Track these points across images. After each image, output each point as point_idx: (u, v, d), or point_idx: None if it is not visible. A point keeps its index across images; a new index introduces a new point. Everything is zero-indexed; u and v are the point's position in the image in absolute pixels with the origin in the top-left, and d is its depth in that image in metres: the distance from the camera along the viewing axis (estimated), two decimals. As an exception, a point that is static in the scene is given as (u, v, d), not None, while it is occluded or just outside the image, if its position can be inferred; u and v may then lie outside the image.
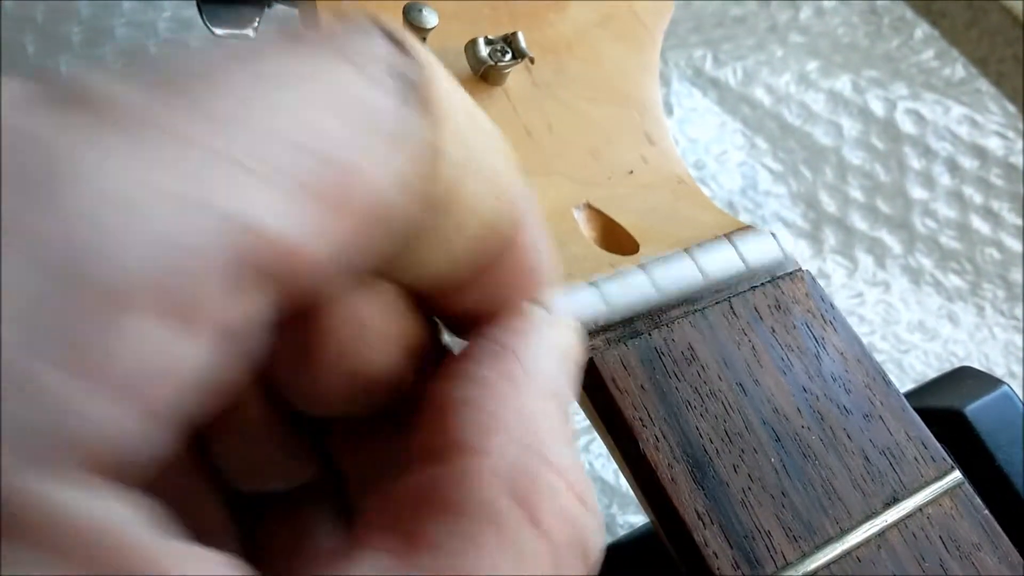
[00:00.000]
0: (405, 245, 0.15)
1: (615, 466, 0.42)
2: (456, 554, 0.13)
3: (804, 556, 0.23)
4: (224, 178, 0.11)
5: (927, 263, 0.55)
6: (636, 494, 0.24)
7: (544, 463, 0.14)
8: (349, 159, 0.13)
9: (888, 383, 0.26)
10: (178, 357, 0.11)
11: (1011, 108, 0.60)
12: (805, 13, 0.64)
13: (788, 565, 0.22)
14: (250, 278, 0.12)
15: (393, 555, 0.13)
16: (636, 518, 0.43)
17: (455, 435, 0.14)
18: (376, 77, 0.14)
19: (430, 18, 0.28)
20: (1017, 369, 0.51)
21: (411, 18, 0.28)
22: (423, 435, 0.15)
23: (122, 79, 0.12)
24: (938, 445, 0.25)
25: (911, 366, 0.50)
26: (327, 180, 0.13)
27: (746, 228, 0.28)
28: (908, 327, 0.51)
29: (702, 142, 0.56)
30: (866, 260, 0.54)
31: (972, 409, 0.28)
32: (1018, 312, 0.54)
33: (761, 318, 0.26)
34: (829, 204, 0.56)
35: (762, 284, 0.27)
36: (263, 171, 0.12)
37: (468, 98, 0.16)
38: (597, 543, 0.15)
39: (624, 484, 0.41)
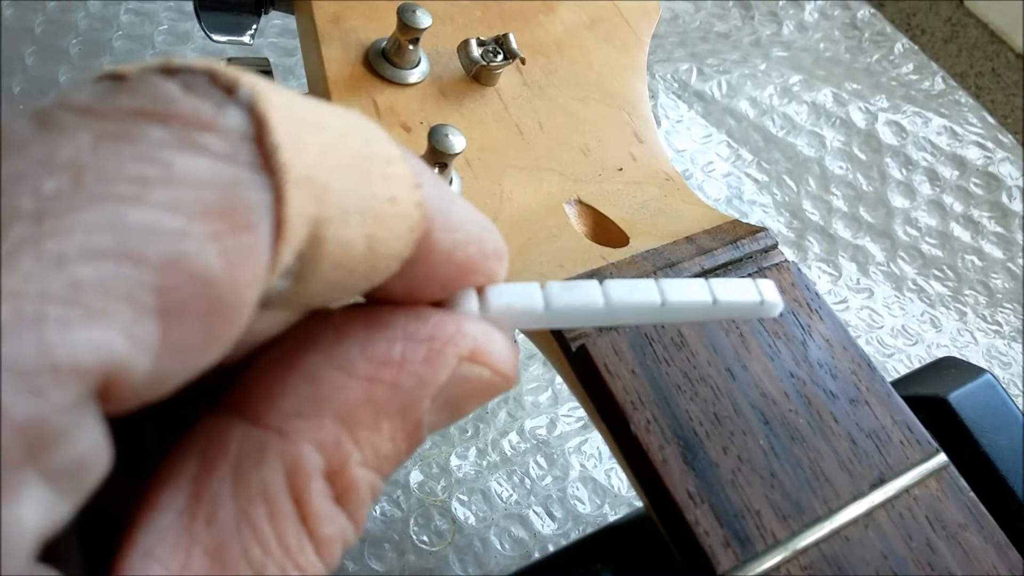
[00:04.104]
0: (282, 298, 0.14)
1: (607, 466, 0.42)
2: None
3: (793, 534, 0.23)
4: (24, 319, 0.10)
5: (909, 270, 0.56)
6: (628, 477, 0.25)
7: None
8: (176, 256, 0.11)
9: (873, 369, 0.27)
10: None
11: (990, 119, 0.61)
12: (788, 28, 0.66)
13: (778, 543, 0.23)
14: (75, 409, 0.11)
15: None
16: (627, 519, 0.43)
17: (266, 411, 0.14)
18: (194, 140, 0.12)
19: (424, 19, 0.29)
20: (999, 372, 0.52)
21: (405, 19, 0.29)
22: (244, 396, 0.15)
23: None
24: (923, 429, 0.26)
25: (895, 369, 0.50)
26: (151, 287, 0.11)
27: (733, 221, 0.29)
28: (892, 332, 0.52)
29: (688, 153, 0.57)
30: (849, 267, 0.55)
31: (956, 396, 0.28)
32: (999, 317, 0.55)
33: (749, 306, 0.26)
34: (813, 213, 0.57)
35: (749, 275, 0.27)
36: (71, 297, 0.10)
37: (316, 105, 0.14)
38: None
39: (616, 484, 0.42)
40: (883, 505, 0.24)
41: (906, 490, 0.25)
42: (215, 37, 0.36)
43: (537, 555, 0.40)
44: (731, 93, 0.60)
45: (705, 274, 0.27)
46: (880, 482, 0.25)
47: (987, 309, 0.55)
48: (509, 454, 0.41)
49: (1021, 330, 0.55)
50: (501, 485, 0.41)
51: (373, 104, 0.29)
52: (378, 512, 0.38)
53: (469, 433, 0.41)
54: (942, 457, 0.26)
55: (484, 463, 0.41)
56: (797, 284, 0.27)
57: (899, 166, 0.59)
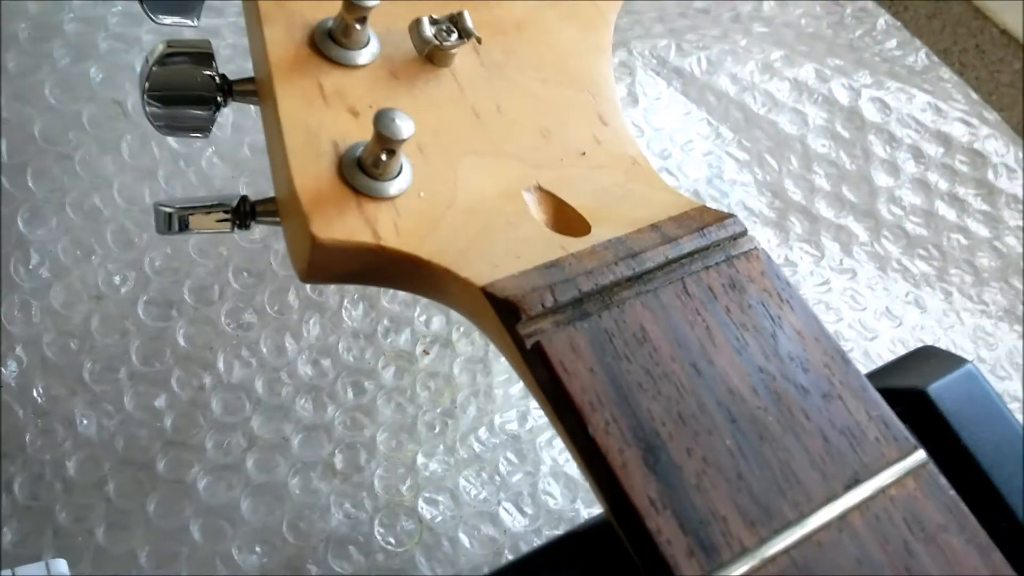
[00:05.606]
0: None
1: (580, 460, 0.41)
2: None
3: (762, 541, 0.22)
4: None
5: (893, 250, 0.54)
6: (588, 481, 0.23)
7: None
8: None
9: (847, 361, 0.25)
10: None
11: (974, 95, 0.60)
12: (768, 3, 0.64)
13: (745, 551, 0.22)
14: None
15: None
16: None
17: None
18: None
19: (371, -4, 0.27)
20: (985, 354, 0.51)
21: (351, -4, 0.27)
22: None
23: None
24: (900, 424, 0.25)
25: (878, 354, 0.49)
26: None
27: (700, 208, 0.27)
28: (875, 314, 0.51)
29: (667, 131, 0.56)
30: (832, 247, 0.54)
31: (935, 388, 0.27)
32: (986, 297, 0.54)
33: (715, 297, 0.25)
34: (795, 192, 0.55)
35: (716, 263, 0.26)
36: None
37: None
38: None
39: (589, 478, 0.40)
40: (858, 507, 0.23)
41: (882, 490, 0.23)
42: (160, 19, 0.34)
43: (508, 552, 0.38)
44: (711, 69, 0.58)
45: (670, 264, 0.25)
46: (855, 483, 0.23)
47: (973, 288, 0.54)
48: (478, 451, 0.40)
49: (1008, 309, 0.53)
50: (470, 482, 0.39)
51: (319, 88, 0.28)
52: (341, 514, 0.37)
53: (437, 430, 0.40)
54: (921, 454, 0.24)
55: (452, 460, 0.39)
56: (767, 273, 0.26)
57: (883, 143, 0.57)
